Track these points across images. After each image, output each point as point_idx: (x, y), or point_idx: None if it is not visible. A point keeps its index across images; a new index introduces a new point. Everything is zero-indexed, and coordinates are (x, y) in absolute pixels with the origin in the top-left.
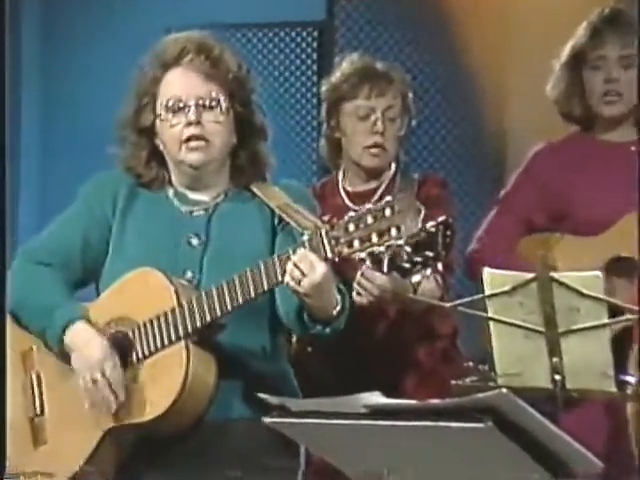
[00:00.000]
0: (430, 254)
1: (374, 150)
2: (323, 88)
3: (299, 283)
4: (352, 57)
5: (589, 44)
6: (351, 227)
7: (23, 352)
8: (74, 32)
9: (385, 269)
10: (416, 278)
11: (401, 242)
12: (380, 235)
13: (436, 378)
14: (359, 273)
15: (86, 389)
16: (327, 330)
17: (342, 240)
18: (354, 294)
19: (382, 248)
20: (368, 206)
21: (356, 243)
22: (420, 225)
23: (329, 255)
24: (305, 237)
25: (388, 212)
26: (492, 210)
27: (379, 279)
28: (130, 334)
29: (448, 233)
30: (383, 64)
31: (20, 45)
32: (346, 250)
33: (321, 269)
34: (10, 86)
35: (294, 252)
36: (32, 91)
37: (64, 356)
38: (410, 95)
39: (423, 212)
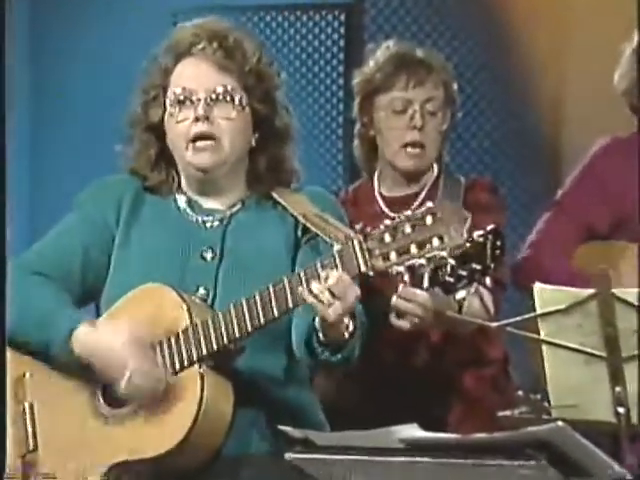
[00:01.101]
0: (477, 267)
1: (412, 150)
2: (355, 80)
3: (329, 307)
4: (387, 44)
5: None
6: (387, 237)
7: (16, 379)
8: (68, 21)
9: (426, 284)
10: (461, 294)
11: (444, 254)
12: (420, 246)
13: (483, 409)
14: (395, 295)
15: (126, 388)
16: (338, 357)
17: (377, 252)
18: (391, 317)
19: (423, 261)
20: (407, 213)
21: (393, 255)
22: (466, 235)
23: (362, 269)
24: (336, 248)
25: (429, 220)
26: (547, 212)
27: (420, 297)
28: None
29: (498, 243)
30: (422, 51)
31: (8, 33)
32: (381, 263)
33: (355, 293)
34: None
35: (322, 267)
36: (23, 88)
37: (72, 367)
38: (454, 86)
39: (469, 220)
